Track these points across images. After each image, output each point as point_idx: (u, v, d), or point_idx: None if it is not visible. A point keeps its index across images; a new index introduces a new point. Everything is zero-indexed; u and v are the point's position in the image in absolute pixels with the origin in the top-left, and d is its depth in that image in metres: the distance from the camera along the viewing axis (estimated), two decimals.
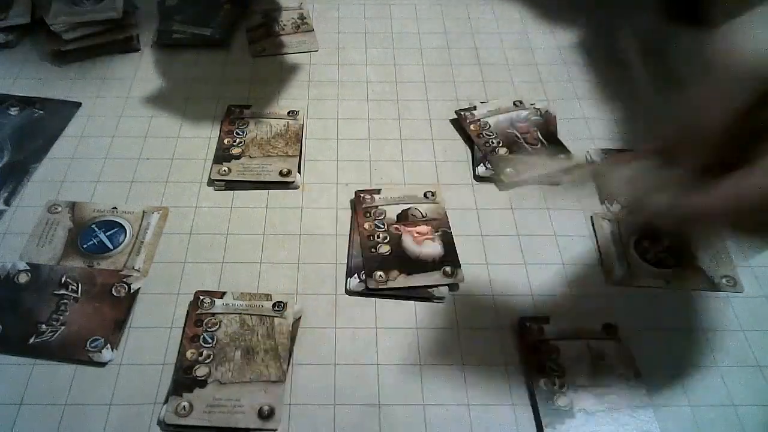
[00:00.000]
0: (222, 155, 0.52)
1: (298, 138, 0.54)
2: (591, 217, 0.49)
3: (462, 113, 0.56)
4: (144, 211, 0.48)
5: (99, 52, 0.61)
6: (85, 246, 0.45)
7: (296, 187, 0.51)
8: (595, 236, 0.48)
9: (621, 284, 0.45)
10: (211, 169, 0.51)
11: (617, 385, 0.39)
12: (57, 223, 0.47)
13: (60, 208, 0.48)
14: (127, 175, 0.51)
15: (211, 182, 0.51)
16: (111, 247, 0.46)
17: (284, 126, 0.55)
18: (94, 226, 0.47)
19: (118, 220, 0.47)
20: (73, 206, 0.48)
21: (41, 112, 0.56)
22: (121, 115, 0.56)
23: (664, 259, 0.46)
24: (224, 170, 0.51)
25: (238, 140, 0.53)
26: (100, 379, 0.39)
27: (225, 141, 0.53)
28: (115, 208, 0.48)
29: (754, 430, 0.38)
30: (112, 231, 0.46)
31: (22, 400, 0.38)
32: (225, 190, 0.50)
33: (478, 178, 0.52)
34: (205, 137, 0.54)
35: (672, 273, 0.46)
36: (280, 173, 0.51)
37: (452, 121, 0.56)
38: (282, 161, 0.52)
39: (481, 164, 0.52)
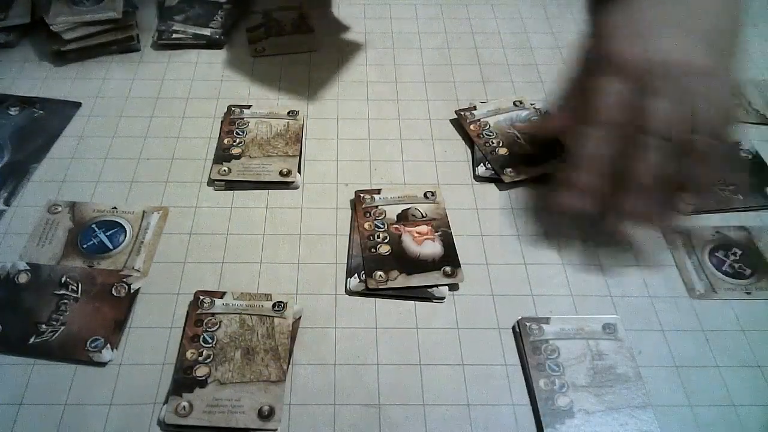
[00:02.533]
0: (222, 155, 0.52)
1: (298, 138, 0.54)
2: (663, 231, 0.48)
3: (462, 113, 0.56)
4: (144, 211, 0.48)
5: (99, 52, 0.61)
6: (85, 246, 0.45)
7: (296, 187, 0.51)
8: (669, 250, 0.47)
9: (703, 298, 0.44)
10: (211, 169, 0.51)
11: (617, 385, 0.39)
12: (57, 223, 0.47)
13: (60, 208, 0.48)
14: (127, 175, 0.51)
15: (211, 182, 0.51)
16: (111, 247, 0.46)
17: (284, 126, 0.55)
18: (94, 226, 0.47)
19: (118, 220, 0.47)
20: (73, 206, 0.48)
21: (41, 112, 0.56)
22: (121, 115, 0.56)
23: (740, 270, 0.46)
24: (224, 170, 0.51)
25: (238, 140, 0.53)
26: (101, 379, 0.39)
27: (225, 141, 0.53)
28: (115, 208, 0.48)
29: (754, 430, 0.38)
30: (112, 231, 0.46)
31: (22, 400, 0.38)
32: (225, 190, 0.50)
33: (478, 178, 0.52)
34: (205, 137, 0.54)
35: (751, 282, 0.45)
36: (280, 173, 0.51)
37: (452, 121, 0.56)
38: (282, 161, 0.52)
39: (481, 164, 0.52)
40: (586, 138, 0.43)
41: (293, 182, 0.50)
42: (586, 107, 0.43)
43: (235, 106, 0.56)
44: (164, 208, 0.49)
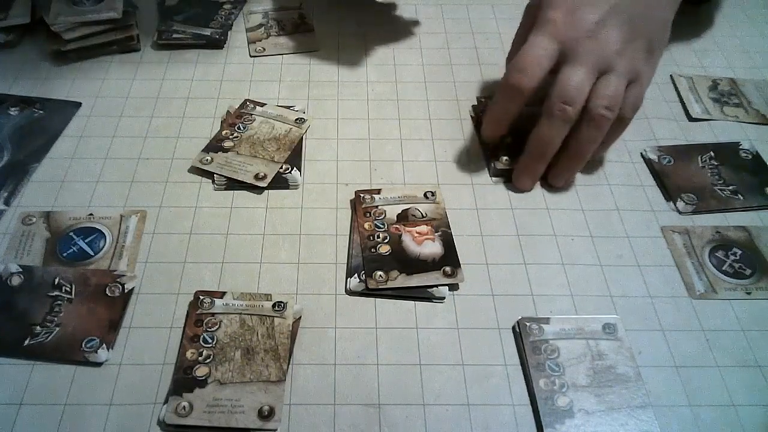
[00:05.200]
0: (213, 145, 0.53)
1: (292, 146, 0.53)
2: (662, 229, 0.49)
3: (482, 99, 0.57)
4: (122, 215, 0.48)
5: (99, 52, 0.61)
6: (65, 254, 0.45)
7: (296, 187, 0.51)
8: (669, 250, 0.47)
9: (703, 298, 0.44)
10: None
11: (617, 385, 0.39)
12: (33, 234, 0.46)
13: (34, 219, 0.47)
14: (127, 175, 0.51)
15: (192, 168, 0.51)
16: (92, 253, 0.45)
17: (286, 131, 0.54)
18: (72, 233, 0.46)
19: (95, 226, 0.47)
20: (47, 216, 0.47)
21: (41, 112, 0.56)
22: (121, 115, 0.56)
23: (740, 270, 0.46)
24: (207, 159, 0.51)
25: (235, 134, 0.54)
26: (100, 379, 0.39)
27: (223, 132, 0.54)
28: (91, 214, 0.47)
29: (754, 431, 0.38)
30: (91, 237, 0.46)
31: (22, 401, 0.38)
32: (225, 190, 0.50)
33: (496, 172, 0.51)
34: (205, 137, 0.54)
35: (751, 283, 0.45)
36: (255, 176, 0.50)
37: (457, 120, 0.56)
38: (264, 165, 0.51)
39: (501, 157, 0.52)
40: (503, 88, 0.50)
41: (263, 188, 0.50)
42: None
43: (250, 101, 0.57)
44: (142, 210, 0.48)
